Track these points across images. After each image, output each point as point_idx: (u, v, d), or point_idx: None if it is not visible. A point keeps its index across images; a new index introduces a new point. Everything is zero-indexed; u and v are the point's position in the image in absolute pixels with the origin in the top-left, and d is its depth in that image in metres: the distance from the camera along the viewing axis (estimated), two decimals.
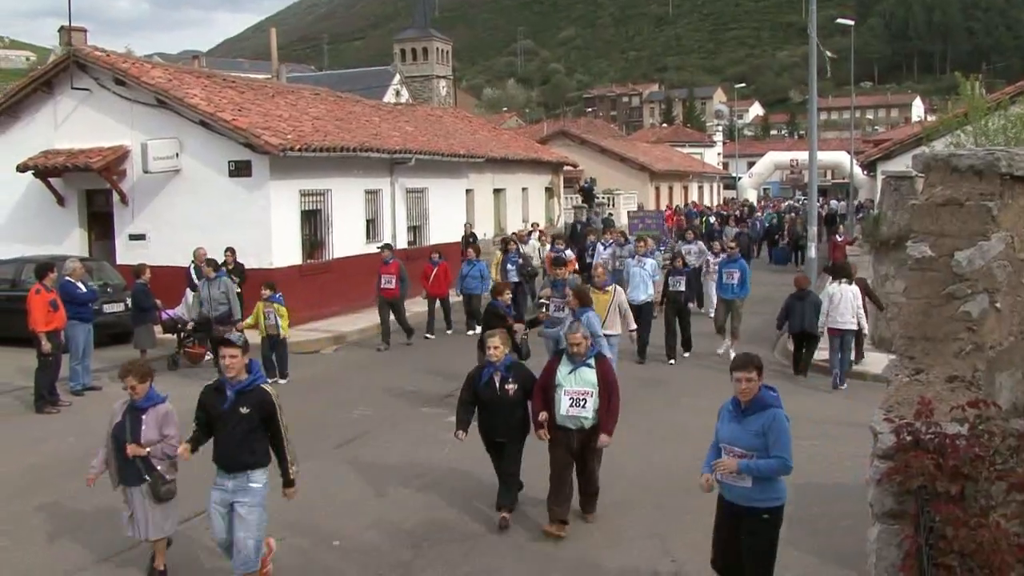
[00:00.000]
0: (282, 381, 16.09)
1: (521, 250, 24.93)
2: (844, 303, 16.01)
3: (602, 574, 8.22)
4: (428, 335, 21.05)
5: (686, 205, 56.41)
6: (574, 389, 8.95)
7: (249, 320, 16.24)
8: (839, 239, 31.27)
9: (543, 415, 8.98)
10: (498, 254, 24.10)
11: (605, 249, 25.85)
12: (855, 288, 16.34)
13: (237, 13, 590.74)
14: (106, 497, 10.17)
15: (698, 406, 14.26)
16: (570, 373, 9.00)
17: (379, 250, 21.30)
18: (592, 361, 9.10)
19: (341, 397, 15.31)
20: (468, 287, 21.40)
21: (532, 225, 33.01)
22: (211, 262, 17.41)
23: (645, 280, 18.13)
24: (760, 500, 6.90)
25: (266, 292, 16.22)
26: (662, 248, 25.50)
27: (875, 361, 17.04)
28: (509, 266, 22.37)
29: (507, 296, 13.82)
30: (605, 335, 13.17)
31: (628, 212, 42.67)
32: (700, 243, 25.10)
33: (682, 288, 18.40)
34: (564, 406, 8.93)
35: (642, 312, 17.25)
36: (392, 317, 20.27)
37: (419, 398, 15.13)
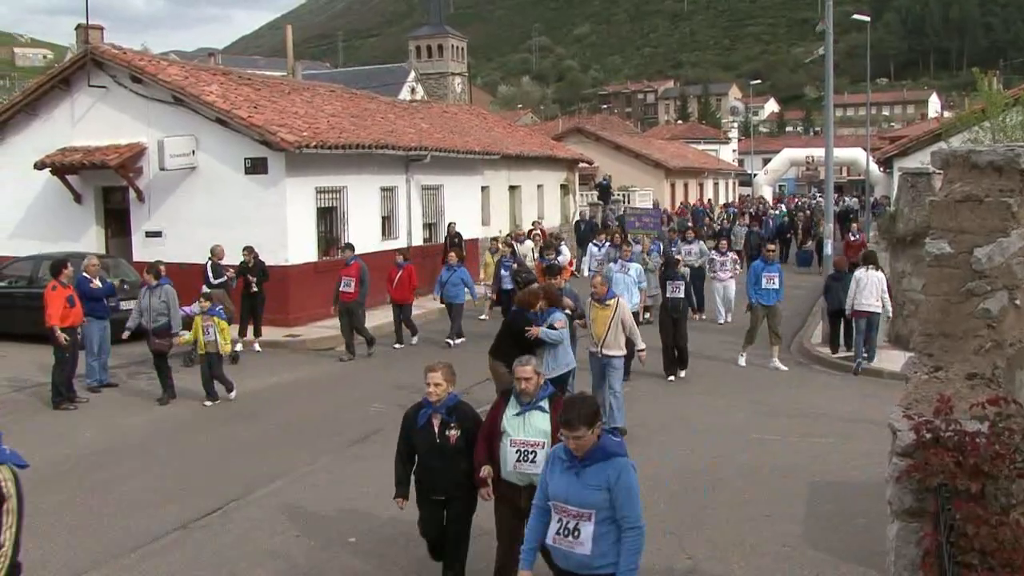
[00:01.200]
0: (231, 396, 14.80)
1: (518, 252, 24.27)
2: (870, 287, 16.75)
3: None
4: (396, 344, 19.42)
5: (696, 202, 55.91)
6: (521, 439, 7.18)
7: (188, 336, 14.91)
8: (853, 238, 29.78)
9: (486, 469, 7.26)
10: (488, 256, 23.48)
11: (599, 251, 24.86)
12: (880, 273, 17.08)
13: (253, 11, 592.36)
14: (122, 493, 10.24)
15: (714, 404, 14.27)
16: (517, 417, 7.23)
17: (341, 251, 20.12)
18: (545, 403, 7.27)
19: (356, 394, 15.33)
20: (449, 295, 19.91)
21: (533, 223, 32.39)
22: (153, 268, 15.76)
23: (630, 288, 17.22)
24: (600, 568, 5.91)
25: (204, 304, 14.89)
26: (656, 248, 23.71)
27: (891, 359, 16.97)
28: (503, 272, 21.01)
29: (542, 305, 11.87)
30: (607, 355, 12.46)
31: (625, 209, 40.21)
32: (701, 243, 24.20)
33: (681, 295, 16.69)
34: (510, 460, 7.18)
35: None
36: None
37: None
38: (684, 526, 9.15)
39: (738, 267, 23.86)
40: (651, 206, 43.60)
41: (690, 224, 31.60)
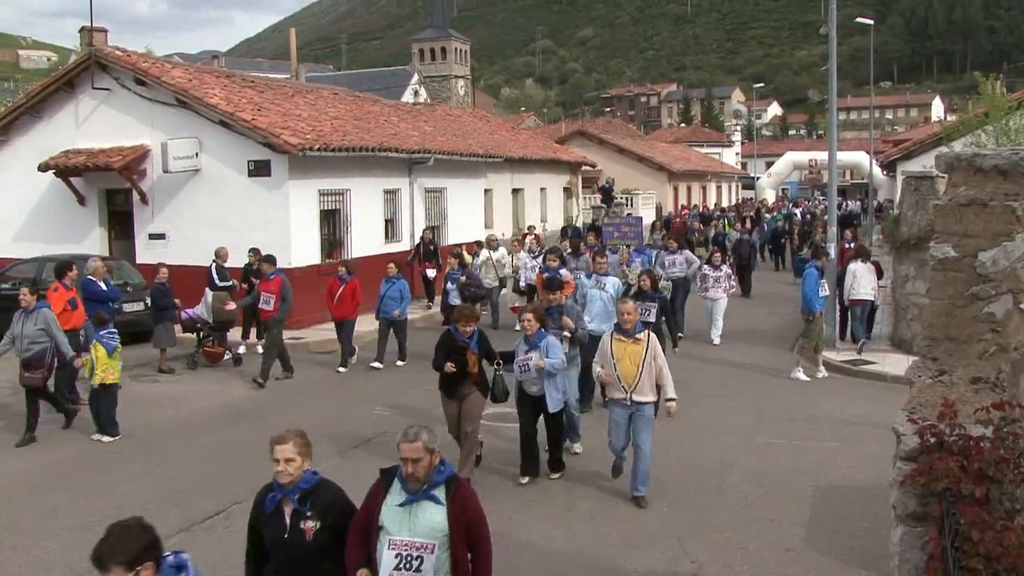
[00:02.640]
0: (106, 439, 12.62)
1: (474, 261, 22.35)
2: (864, 278, 18.61)
3: (620, 574, 8.20)
4: (340, 368, 17.39)
5: (692, 207, 55.16)
6: (404, 539, 5.35)
7: (87, 358, 12.83)
8: (848, 245, 26.83)
9: (360, 575, 5.41)
10: (452, 262, 21.56)
11: (578, 259, 21.38)
12: (870, 265, 19.00)
13: (256, 13, 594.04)
14: (125, 495, 10.23)
15: (720, 408, 14.26)
16: (400, 508, 5.40)
17: (261, 262, 17.61)
18: (441, 492, 5.42)
19: (359, 396, 15.32)
20: (384, 310, 17.48)
21: (528, 228, 30.60)
22: (31, 286, 14.00)
23: (607, 306, 13.69)
24: None
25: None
26: (644, 258, 21.41)
27: (894, 362, 16.96)
28: (448, 285, 19.13)
29: (471, 327, 10.50)
30: (638, 403, 9.82)
31: (601, 217, 36.52)
32: (687, 252, 21.40)
33: (651, 319, 13.74)
34: (386, 566, 5.35)
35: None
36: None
37: (437, 397, 15.10)
38: (688, 529, 9.15)
39: (733, 283, 21.37)
40: (630, 215, 39.78)
41: (665, 232, 28.67)
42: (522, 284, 21.57)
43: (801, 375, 16.62)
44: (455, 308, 11.58)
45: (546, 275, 14.13)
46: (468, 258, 22.16)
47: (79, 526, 9.38)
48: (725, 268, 20.78)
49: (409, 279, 20.78)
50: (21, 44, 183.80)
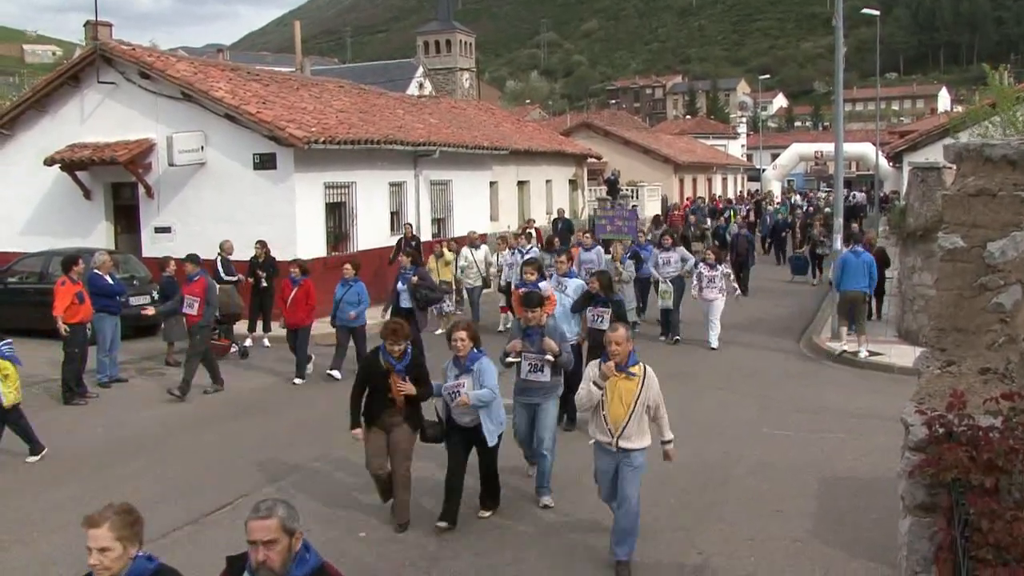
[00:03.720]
0: (32, 459, 11.53)
1: (469, 261, 21.14)
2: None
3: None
4: (296, 379, 15.83)
5: (698, 198, 53.58)
6: None
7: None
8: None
9: None
10: (432, 260, 21.00)
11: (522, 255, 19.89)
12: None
13: (260, 7, 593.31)
14: (132, 489, 10.25)
15: (726, 400, 14.25)
16: None
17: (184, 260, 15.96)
18: None
19: None
20: (340, 316, 15.80)
21: (528, 221, 29.21)
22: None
23: (567, 312, 12.82)
24: None
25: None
26: (645, 254, 20.23)
27: (901, 353, 16.93)
28: (399, 285, 16.75)
29: (400, 346, 8.87)
30: (626, 449, 8.00)
31: (593, 208, 33.90)
32: (682, 249, 20.15)
33: (604, 326, 11.69)
34: None
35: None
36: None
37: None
38: (694, 522, 9.14)
39: (733, 284, 19.62)
40: (624, 206, 38.09)
41: (666, 226, 28.11)
42: (501, 283, 20.75)
43: (862, 352, 17.46)
44: (386, 324, 9.26)
45: (522, 290, 11.51)
46: (450, 255, 21.39)
47: None
48: (722, 267, 18.76)
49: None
50: (26, 38, 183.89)
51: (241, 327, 18.99)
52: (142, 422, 13.27)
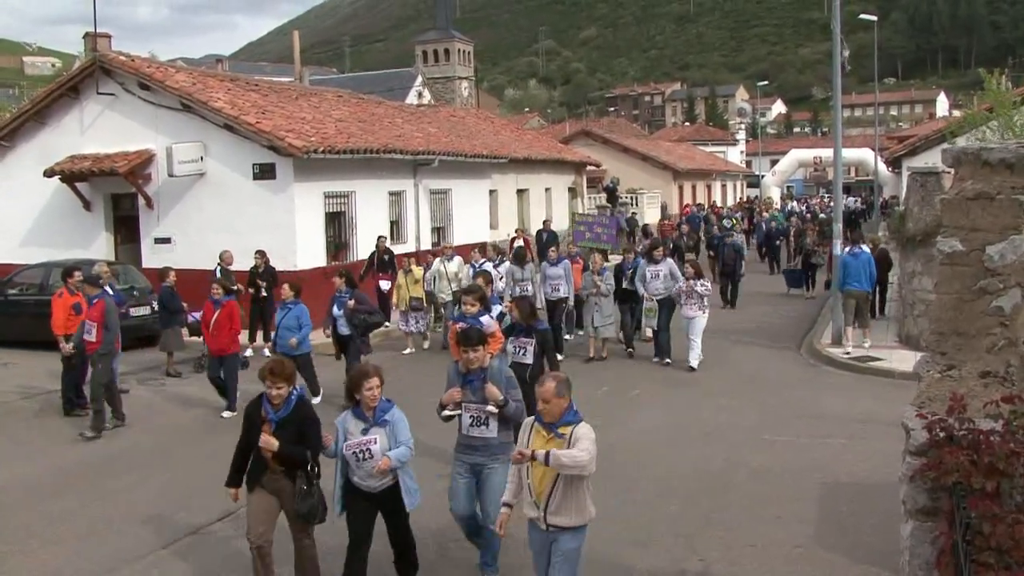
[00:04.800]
0: None
1: (424, 273, 19.90)
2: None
3: (628, 573, 8.18)
4: (225, 413, 14.13)
5: (697, 205, 52.39)
6: None
7: None
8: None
9: None
10: (400, 276, 19.92)
11: (524, 270, 19.06)
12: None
13: (258, 17, 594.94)
14: (133, 500, 10.24)
15: (727, 406, 14.24)
16: None
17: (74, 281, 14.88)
18: None
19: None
20: (280, 343, 14.37)
21: (516, 231, 28.27)
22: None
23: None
24: None
25: None
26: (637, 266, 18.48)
27: (901, 358, 16.92)
28: (335, 311, 14.93)
29: (280, 390, 7.34)
30: (555, 527, 6.42)
31: (574, 214, 31.14)
32: (671, 262, 18.44)
33: (529, 359, 10.75)
34: None
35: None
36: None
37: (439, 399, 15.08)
38: (695, 528, 9.13)
39: (707, 294, 17.24)
40: (604, 212, 35.95)
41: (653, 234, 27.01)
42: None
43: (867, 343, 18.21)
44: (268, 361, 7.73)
45: (459, 326, 9.61)
46: (418, 270, 20.02)
47: (87, 531, 9.40)
48: (701, 283, 17.09)
49: (371, 292, 20.10)
50: (25, 51, 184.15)
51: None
52: (142, 432, 13.25)
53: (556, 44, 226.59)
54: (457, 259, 20.13)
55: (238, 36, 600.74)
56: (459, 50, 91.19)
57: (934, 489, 4.92)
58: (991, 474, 4.53)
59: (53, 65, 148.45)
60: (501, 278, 18.83)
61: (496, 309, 12.27)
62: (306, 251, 21.62)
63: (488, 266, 18.89)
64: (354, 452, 7.30)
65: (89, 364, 13.74)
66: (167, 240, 22.47)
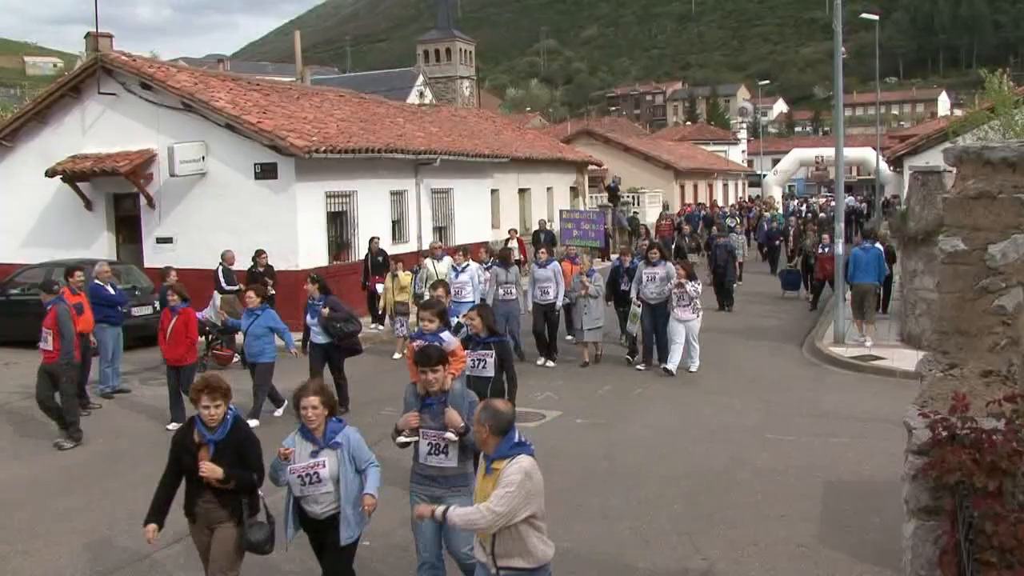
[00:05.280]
0: None
1: (414, 277, 19.13)
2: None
3: (632, 572, 8.19)
4: (169, 425, 13.08)
5: (697, 205, 51.75)
6: None
7: None
8: (823, 251, 23.52)
9: None
10: (388, 280, 19.10)
11: (508, 272, 17.78)
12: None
13: (259, 17, 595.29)
14: (135, 499, 10.24)
15: (729, 405, 14.24)
16: None
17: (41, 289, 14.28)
18: None
19: (366, 398, 15.28)
20: (252, 351, 13.76)
21: (510, 232, 27.49)
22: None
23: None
24: None
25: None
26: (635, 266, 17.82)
27: (903, 357, 16.91)
28: (308, 319, 14.18)
29: (218, 410, 6.76)
30: (505, 569, 5.80)
31: (560, 210, 29.40)
32: (669, 265, 17.20)
33: (488, 372, 9.82)
34: None
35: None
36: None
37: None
38: (699, 526, 9.13)
39: (699, 297, 16.73)
40: (592, 208, 35.21)
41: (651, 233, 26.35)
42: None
43: (868, 342, 18.49)
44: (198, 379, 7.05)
45: (417, 344, 8.80)
46: (405, 276, 19.18)
47: (91, 531, 9.41)
48: (692, 285, 16.41)
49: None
50: (27, 50, 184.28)
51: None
52: (144, 432, 13.26)
53: (557, 44, 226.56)
54: (447, 260, 19.30)
55: (239, 36, 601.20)
56: (460, 50, 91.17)
57: (936, 488, 4.93)
58: (994, 473, 4.53)
59: (55, 65, 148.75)
60: (487, 280, 18.21)
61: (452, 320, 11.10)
62: (308, 250, 21.64)
63: (473, 267, 18.39)
64: (300, 476, 6.69)
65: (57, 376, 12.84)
66: (169, 240, 22.49)
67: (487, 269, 18.55)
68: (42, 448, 12.50)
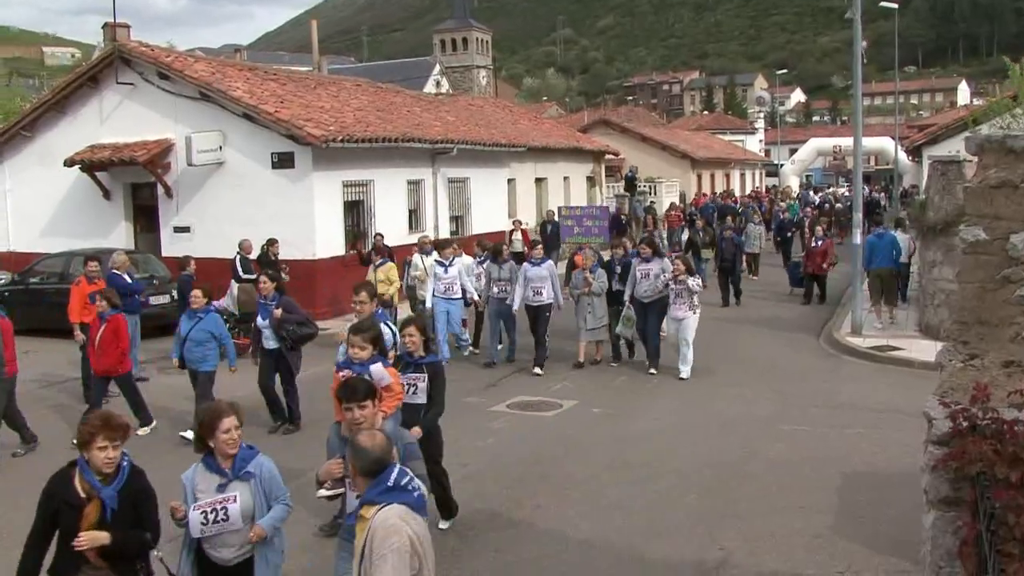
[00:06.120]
0: None
1: (407, 270, 18.50)
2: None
3: (647, 563, 8.18)
4: (142, 430, 12.60)
5: (705, 196, 49.70)
6: None
7: None
8: (816, 244, 23.35)
9: None
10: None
11: (501, 268, 16.91)
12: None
13: (274, 7, 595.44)
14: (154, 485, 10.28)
15: (744, 396, 14.20)
16: None
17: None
18: None
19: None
20: (192, 358, 12.35)
21: (514, 222, 27.24)
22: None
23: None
24: None
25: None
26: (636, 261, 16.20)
27: (920, 348, 16.84)
28: (260, 321, 12.86)
29: (116, 453, 5.60)
30: None
31: (558, 207, 27.90)
32: (666, 261, 16.02)
33: (421, 399, 8.55)
34: None
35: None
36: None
37: (461, 389, 15.12)
38: (715, 518, 9.11)
39: (697, 292, 15.47)
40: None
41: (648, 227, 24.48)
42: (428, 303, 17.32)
43: (888, 322, 19.59)
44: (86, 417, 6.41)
45: (342, 374, 7.52)
46: (387, 268, 18.13)
47: None
48: (691, 281, 15.24)
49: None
50: (45, 41, 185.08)
51: None
52: (161, 420, 13.31)
53: (574, 33, 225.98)
54: (435, 254, 18.15)
55: (256, 26, 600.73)
56: (477, 39, 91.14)
57: (957, 479, 4.89)
58: (1015, 463, 4.49)
59: (73, 55, 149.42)
60: (479, 276, 17.33)
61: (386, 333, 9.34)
62: (325, 240, 21.65)
63: (462, 263, 17.24)
64: (204, 513, 5.65)
65: None
66: (186, 229, 22.56)
67: (480, 264, 17.59)
68: (61, 436, 12.52)
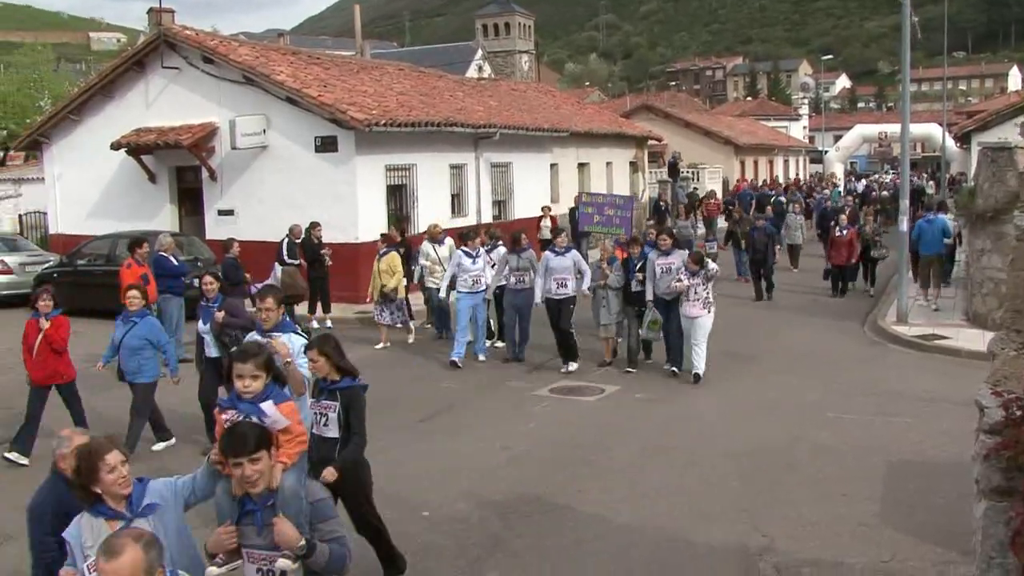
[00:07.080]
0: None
1: (431, 258, 17.67)
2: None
3: (689, 549, 8.14)
4: (10, 453, 10.94)
5: (744, 183, 48.32)
6: None
7: None
8: (839, 234, 22.24)
9: None
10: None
11: (520, 257, 15.71)
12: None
13: None
14: (178, 467, 10.38)
15: (789, 383, 14.09)
16: None
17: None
18: None
19: (426, 370, 15.39)
20: (127, 368, 11.22)
21: (543, 209, 27.37)
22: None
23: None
24: None
25: None
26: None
27: (968, 337, 16.62)
28: (201, 325, 11.44)
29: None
30: None
31: (581, 193, 24.01)
32: (684, 253, 14.83)
33: (333, 433, 7.13)
34: None
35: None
36: None
37: (506, 372, 15.13)
38: (758, 504, 9.05)
39: (710, 289, 14.28)
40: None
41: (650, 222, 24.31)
42: (441, 294, 16.97)
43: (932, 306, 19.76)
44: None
45: (226, 418, 5.79)
46: (390, 259, 17.39)
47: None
48: (705, 274, 14.06)
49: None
50: (92, 26, 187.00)
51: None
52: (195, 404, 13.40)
53: (616, 18, 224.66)
54: (449, 242, 17.82)
55: (299, 11, 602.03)
56: (519, 24, 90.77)
57: (1009, 469, 4.82)
58: None
59: (118, 40, 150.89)
60: (493, 265, 16.20)
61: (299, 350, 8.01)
62: (367, 224, 21.71)
63: (433, 248, 17.32)
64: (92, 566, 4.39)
65: None
66: (230, 212, 22.74)
67: (488, 252, 16.46)
68: (105, 416, 12.65)
